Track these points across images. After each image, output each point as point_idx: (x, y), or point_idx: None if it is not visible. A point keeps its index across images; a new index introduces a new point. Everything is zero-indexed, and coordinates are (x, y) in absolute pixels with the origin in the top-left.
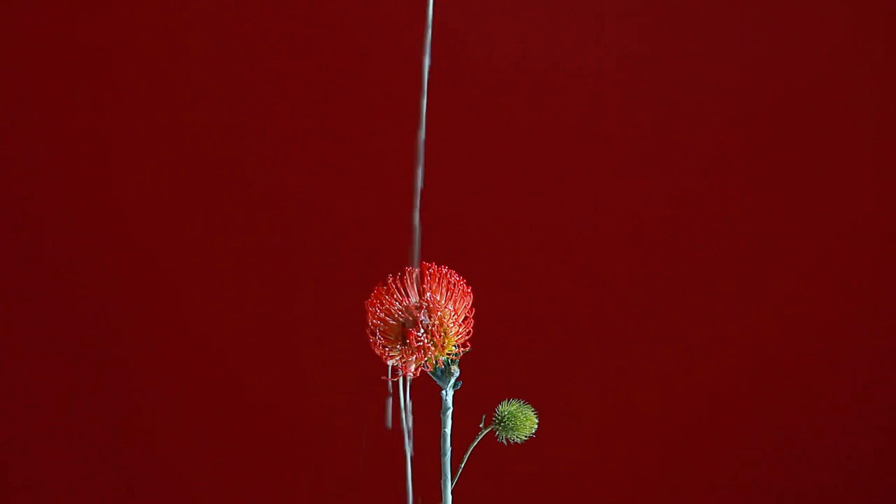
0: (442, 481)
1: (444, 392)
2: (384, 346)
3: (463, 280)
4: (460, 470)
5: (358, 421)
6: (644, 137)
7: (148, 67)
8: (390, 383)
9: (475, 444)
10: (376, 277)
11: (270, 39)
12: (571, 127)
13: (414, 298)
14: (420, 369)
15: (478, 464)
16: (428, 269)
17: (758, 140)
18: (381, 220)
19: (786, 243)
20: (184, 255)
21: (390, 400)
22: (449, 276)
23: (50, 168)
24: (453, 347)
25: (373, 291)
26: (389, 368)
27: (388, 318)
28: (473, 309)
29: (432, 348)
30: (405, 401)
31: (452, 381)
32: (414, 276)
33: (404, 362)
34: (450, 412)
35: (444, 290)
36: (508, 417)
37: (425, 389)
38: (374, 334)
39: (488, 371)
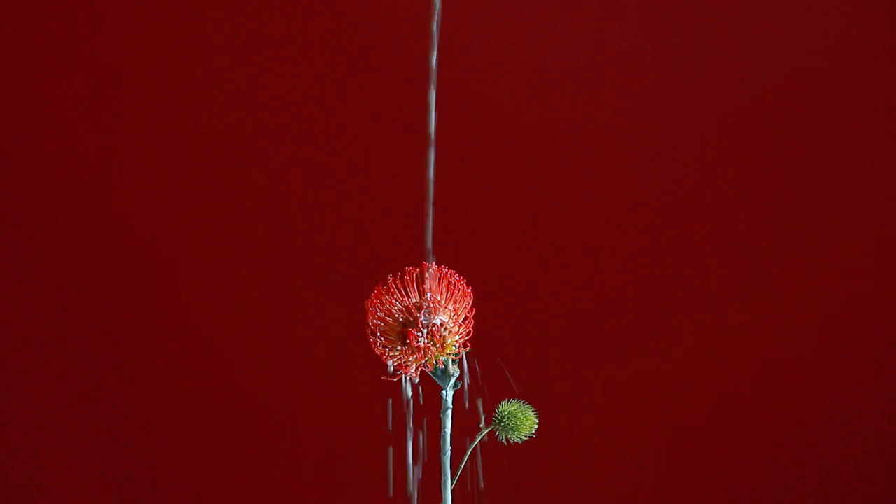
0: (442, 481)
1: (444, 392)
2: (384, 346)
3: (463, 280)
4: (460, 470)
5: (358, 421)
6: (645, 138)
7: (151, 67)
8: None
9: (475, 444)
10: (376, 277)
11: (278, 38)
12: (572, 128)
13: (414, 298)
14: (420, 369)
15: (478, 464)
16: (428, 269)
17: (758, 140)
18: (381, 220)
19: (786, 243)
20: (185, 255)
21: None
22: (449, 276)
23: (50, 168)
24: (453, 347)
25: (373, 291)
26: (389, 368)
27: (388, 318)
28: (473, 309)
29: (432, 348)
30: (407, 400)
31: (452, 381)
32: (414, 276)
33: (404, 362)
34: (450, 412)
35: (444, 290)
36: (508, 417)
37: (425, 389)
38: (375, 334)
39: (488, 371)
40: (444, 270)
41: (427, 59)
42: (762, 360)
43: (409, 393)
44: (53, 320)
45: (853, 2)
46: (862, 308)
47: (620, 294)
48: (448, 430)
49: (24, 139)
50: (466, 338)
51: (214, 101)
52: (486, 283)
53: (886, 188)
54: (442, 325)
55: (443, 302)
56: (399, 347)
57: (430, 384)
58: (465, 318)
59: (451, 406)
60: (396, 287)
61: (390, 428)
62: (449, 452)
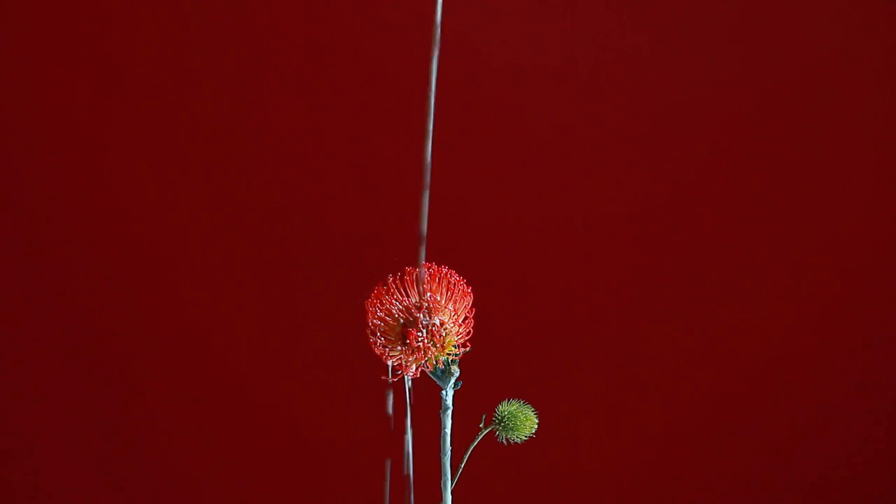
0: (442, 481)
1: (444, 392)
2: (384, 346)
3: (463, 280)
4: (460, 470)
5: (357, 421)
6: (644, 139)
7: (151, 67)
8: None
9: (475, 444)
10: (376, 277)
11: (277, 40)
12: (572, 128)
13: (414, 298)
14: (420, 369)
15: (478, 464)
16: (428, 270)
17: (758, 141)
18: (381, 220)
19: (786, 243)
20: (185, 255)
21: (391, 397)
22: (449, 276)
23: (50, 168)
24: (453, 347)
25: (373, 291)
26: (389, 368)
27: (388, 318)
28: (473, 309)
29: (432, 348)
30: (406, 400)
31: (452, 381)
32: (414, 276)
33: (404, 362)
34: (450, 412)
35: (444, 291)
36: (508, 417)
37: (425, 389)
38: (375, 334)
39: (488, 371)
40: (445, 270)
41: (426, 59)
42: (762, 360)
43: (410, 394)
44: (53, 320)
45: (853, 2)
46: (862, 308)
47: (620, 294)
48: (448, 430)
49: (24, 139)
50: (466, 338)
51: (214, 101)
52: (485, 283)
53: (886, 188)
54: (442, 324)
55: (443, 302)
56: (399, 347)
57: (430, 384)
58: (465, 318)
59: (451, 406)
60: (396, 287)
61: (392, 427)
62: (449, 452)
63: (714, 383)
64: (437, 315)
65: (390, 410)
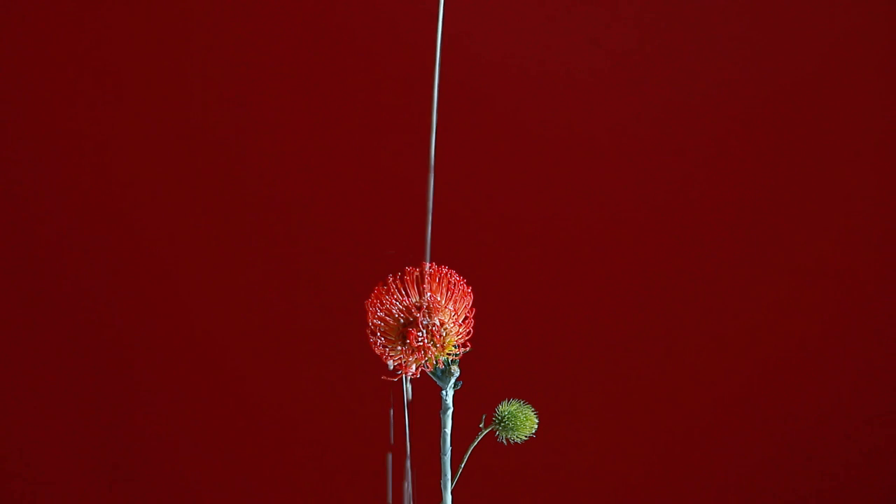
0: (442, 481)
1: (444, 392)
2: (384, 346)
3: (463, 280)
4: (460, 470)
5: (357, 421)
6: (644, 139)
7: (150, 67)
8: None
9: (475, 444)
10: (377, 277)
11: (280, 39)
12: (572, 128)
13: (414, 298)
14: (420, 369)
15: (478, 464)
16: (428, 269)
17: (758, 142)
18: (381, 219)
19: (786, 243)
20: (185, 255)
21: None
22: (449, 276)
23: (50, 168)
24: (453, 347)
25: (373, 291)
26: (390, 368)
27: (388, 318)
28: (473, 309)
29: (432, 348)
30: (406, 400)
31: (452, 381)
32: (414, 276)
33: (405, 362)
34: (450, 412)
35: (444, 291)
36: (508, 417)
37: (425, 389)
38: (375, 334)
39: (488, 371)
40: (445, 270)
41: (429, 59)
42: (762, 361)
43: (410, 393)
44: (53, 320)
45: (853, 3)
46: (862, 309)
47: (620, 294)
48: (448, 430)
49: (24, 139)
50: (466, 338)
51: (214, 101)
52: (485, 283)
53: (886, 189)
54: (442, 324)
55: (443, 302)
56: (399, 347)
57: (430, 384)
58: (465, 318)
59: (451, 406)
60: (396, 287)
61: (392, 440)
62: (449, 452)
63: (714, 383)
64: (437, 315)
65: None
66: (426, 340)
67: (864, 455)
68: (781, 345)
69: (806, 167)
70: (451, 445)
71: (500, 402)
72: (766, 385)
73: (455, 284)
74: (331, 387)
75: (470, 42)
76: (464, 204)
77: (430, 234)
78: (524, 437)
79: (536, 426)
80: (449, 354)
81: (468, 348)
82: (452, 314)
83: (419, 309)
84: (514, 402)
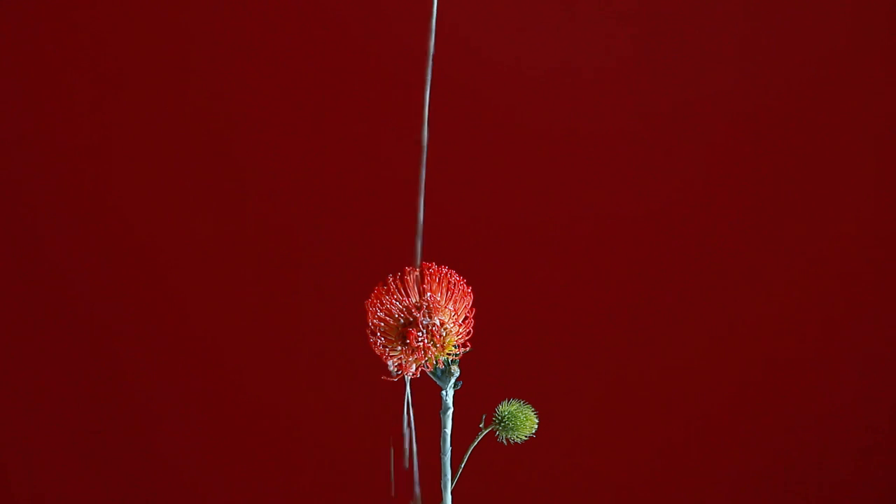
0: (442, 481)
1: (444, 392)
2: (384, 346)
3: (463, 280)
4: (460, 470)
5: (357, 421)
6: (644, 138)
7: (149, 67)
8: (408, 393)
9: (475, 444)
10: (376, 277)
11: (273, 38)
12: (572, 128)
13: (414, 298)
14: (420, 369)
15: (478, 464)
16: (428, 269)
17: (758, 141)
18: (381, 219)
19: (785, 244)
20: (184, 255)
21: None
22: (449, 276)
23: (50, 168)
24: (453, 347)
25: (373, 291)
26: (390, 368)
27: (388, 318)
28: (473, 309)
29: (432, 348)
30: (407, 400)
31: (452, 381)
32: (414, 276)
33: (405, 362)
34: (450, 412)
35: (444, 290)
36: (508, 417)
37: (425, 389)
38: (375, 334)
39: (488, 371)
40: (445, 270)
41: (424, 58)
42: (763, 362)
43: (409, 394)
44: (53, 320)
45: (854, 3)
46: (862, 309)
47: (620, 294)
48: (448, 431)
49: (24, 139)
50: (466, 338)
51: (211, 102)
52: (485, 283)
53: (886, 190)
54: (442, 324)
55: (443, 302)
56: (399, 347)
57: (430, 384)
58: (465, 318)
59: (451, 406)
60: (396, 287)
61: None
62: (449, 452)
63: (714, 384)
64: (437, 315)
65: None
66: (426, 340)
67: (864, 455)
68: (781, 345)
69: (806, 167)
70: (451, 445)
71: (500, 402)
72: (766, 385)
73: (455, 284)
74: (331, 387)
75: (464, 39)
76: (464, 204)
77: (422, 234)
78: (524, 437)
79: (536, 426)
80: (449, 354)
81: (468, 348)
82: (452, 314)
83: (419, 309)
84: (514, 402)
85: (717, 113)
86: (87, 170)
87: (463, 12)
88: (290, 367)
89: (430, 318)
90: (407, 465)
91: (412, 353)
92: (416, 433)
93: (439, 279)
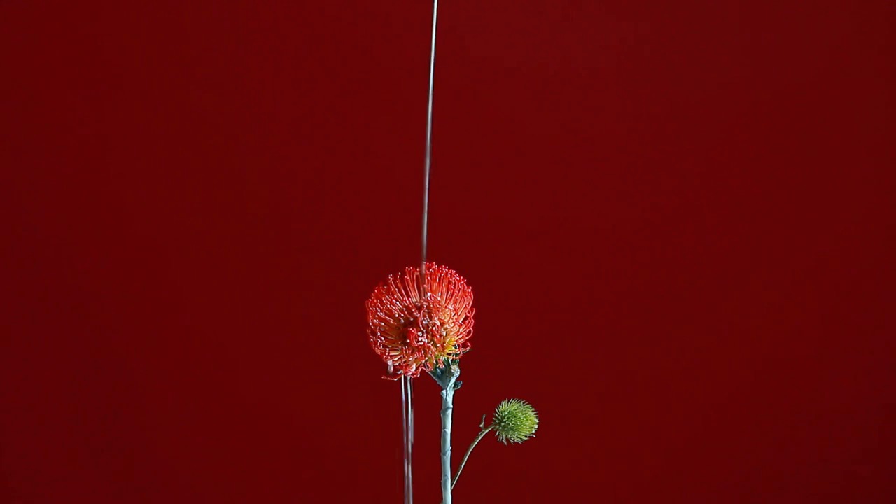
0: (442, 481)
1: (444, 392)
2: (384, 346)
3: (463, 280)
4: (460, 470)
5: (357, 420)
6: (644, 138)
7: (149, 67)
8: (405, 393)
9: (475, 444)
10: (377, 277)
11: (276, 39)
12: (572, 128)
13: (414, 298)
14: (420, 369)
15: (478, 464)
16: (429, 269)
17: (757, 141)
18: (381, 219)
19: (785, 244)
20: (184, 255)
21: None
22: (449, 276)
23: (50, 168)
24: (453, 347)
25: (373, 291)
26: (389, 368)
27: (388, 318)
28: (473, 309)
29: (432, 348)
30: (406, 400)
31: (452, 380)
32: (414, 275)
33: (405, 362)
34: (450, 412)
35: (444, 290)
36: (508, 417)
37: (425, 389)
38: (375, 334)
39: (488, 371)
40: (445, 270)
41: (425, 59)
42: (763, 362)
43: (409, 393)
44: (53, 320)
45: (854, 3)
46: (862, 310)
47: (620, 294)
48: (448, 430)
49: (24, 139)
50: (466, 338)
51: (212, 101)
52: (485, 283)
53: (887, 189)
54: (442, 324)
55: (443, 302)
56: (399, 347)
57: (430, 384)
58: (466, 317)
59: (451, 406)
60: (397, 287)
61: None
62: (449, 452)
63: (714, 384)
64: (437, 315)
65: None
66: (426, 340)
67: (864, 456)
68: (781, 345)
69: (806, 167)
70: (451, 445)
71: (500, 402)
72: (766, 386)
73: (455, 284)
74: (331, 387)
75: (466, 40)
76: (464, 204)
77: (427, 234)
78: (524, 437)
79: (536, 426)
80: (449, 354)
81: (468, 348)
82: (452, 314)
83: (419, 309)
84: (514, 402)
85: (718, 113)
86: (87, 170)
87: (464, 12)
88: (291, 366)
89: (431, 317)
90: (406, 464)
91: (412, 353)
92: (415, 433)
93: (440, 279)
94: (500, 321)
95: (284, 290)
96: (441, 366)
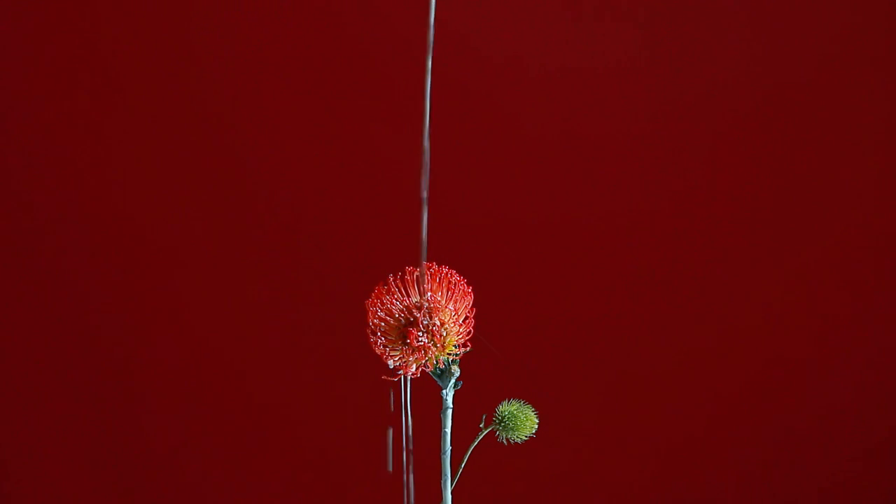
0: (442, 481)
1: (444, 392)
2: (385, 346)
3: (463, 280)
4: (460, 470)
5: (357, 420)
6: (644, 138)
7: (149, 68)
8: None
9: (475, 444)
10: (377, 277)
11: (274, 39)
12: (572, 128)
13: (415, 298)
14: (420, 369)
15: (478, 464)
16: (429, 269)
17: (757, 141)
18: (381, 219)
19: (785, 244)
20: (185, 255)
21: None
22: (450, 275)
23: (50, 168)
24: (453, 347)
25: (373, 291)
26: (390, 368)
27: (388, 318)
28: (474, 309)
29: (433, 348)
30: (405, 400)
31: (452, 381)
32: (415, 275)
33: (405, 362)
34: (450, 412)
35: (444, 290)
36: (508, 417)
37: (425, 389)
38: (375, 334)
39: (488, 371)
40: (445, 270)
41: (423, 58)
42: (762, 361)
43: (409, 393)
44: (53, 320)
45: (854, 3)
46: (862, 310)
47: (621, 294)
48: (448, 430)
49: (24, 139)
50: (467, 338)
51: (216, 103)
52: (485, 283)
53: (887, 189)
54: (442, 324)
55: (443, 302)
56: (399, 347)
57: (430, 384)
58: (466, 317)
59: (451, 406)
60: (397, 287)
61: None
62: (449, 452)
63: (714, 384)
64: (437, 315)
65: (393, 408)
66: (426, 340)
67: (864, 457)
68: (782, 345)
69: (806, 168)
70: (451, 445)
71: (500, 402)
72: (766, 386)
73: (455, 284)
74: (331, 387)
75: (464, 38)
76: (464, 204)
77: (427, 234)
78: (524, 437)
79: (536, 426)
80: (449, 354)
81: (468, 348)
82: (453, 314)
83: (420, 309)
84: (514, 402)
85: (718, 113)
86: (87, 170)
87: (463, 12)
88: (291, 366)
89: (431, 317)
90: (405, 464)
91: (412, 353)
92: (414, 433)
93: (440, 279)
94: (500, 321)
95: (284, 289)
96: (441, 366)
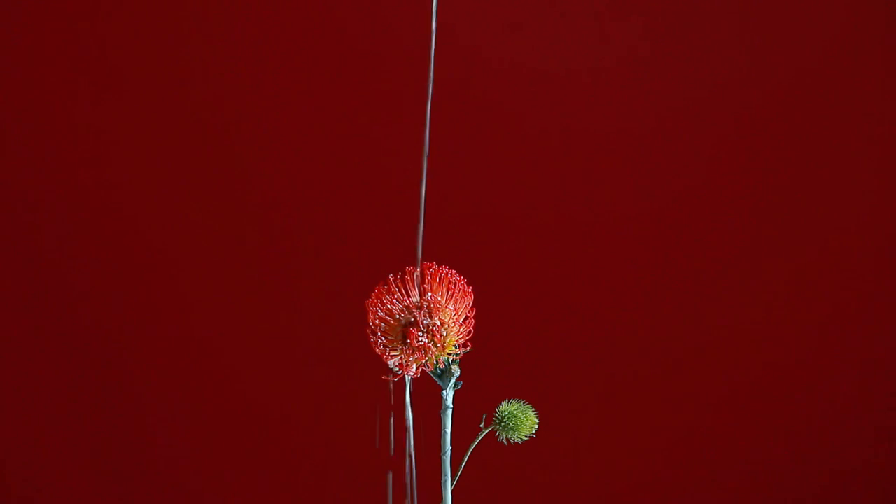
0: (442, 481)
1: (444, 392)
2: (385, 346)
3: (463, 280)
4: (460, 470)
5: (357, 420)
6: (644, 138)
7: (149, 68)
8: (391, 385)
9: (475, 444)
10: (377, 277)
11: (275, 40)
12: (572, 128)
13: (415, 298)
14: (420, 369)
15: (478, 464)
16: (429, 269)
17: (757, 141)
18: (381, 219)
19: (785, 244)
20: (185, 255)
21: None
22: (450, 276)
23: (50, 168)
24: (454, 347)
25: (373, 291)
26: (390, 368)
27: (388, 318)
28: (474, 309)
29: (433, 348)
30: (406, 400)
31: (453, 380)
32: (415, 275)
33: (405, 362)
34: (450, 412)
35: (444, 290)
36: (508, 417)
37: (425, 389)
38: (375, 334)
39: (488, 371)
40: (445, 270)
41: (424, 58)
42: (762, 361)
43: (409, 395)
44: (53, 321)
45: (854, 3)
46: (862, 310)
47: (621, 294)
48: (448, 430)
49: (24, 139)
50: (467, 338)
51: (216, 103)
52: (486, 283)
53: (887, 189)
54: (442, 324)
55: (443, 302)
56: (400, 347)
57: (430, 384)
58: (466, 317)
59: (451, 406)
60: (397, 287)
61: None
62: (449, 452)
63: (714, 384)
64: (437, 315)
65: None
66: (426, 340)
67: (863, 455)
68: (781, 345)
69: (807, 168)
70: (451, 445)
71: (500, 402)
72: (766, 386)
73: (455, 284)
74: (331, 387)
75: (464, 39)
76: (464, 204)
77: (425, 234)
78: (524, 437)
79: (536, 426)
80: (449, 354)
81: (468, 348)
82: (453, 314)
83: (420, 309)
84: (514, 402)
85: (718, 113)
86: (87, 170)
87: (464, 12)
88: (291, 366)
89: (431, 317)
90: (407, 464)
91: (413, 353)
92: (415, 433)
93: (440, 279)
94: (500, 321)
95: (285, 289)
96: (441, 366)
